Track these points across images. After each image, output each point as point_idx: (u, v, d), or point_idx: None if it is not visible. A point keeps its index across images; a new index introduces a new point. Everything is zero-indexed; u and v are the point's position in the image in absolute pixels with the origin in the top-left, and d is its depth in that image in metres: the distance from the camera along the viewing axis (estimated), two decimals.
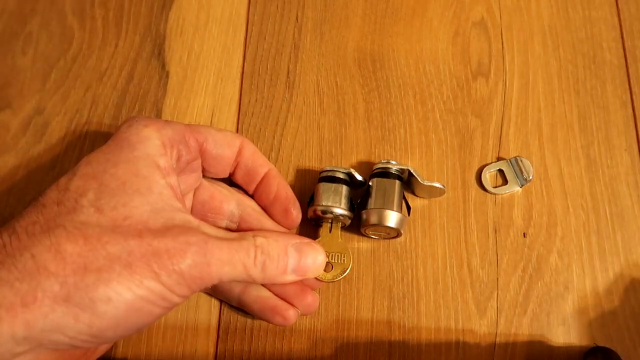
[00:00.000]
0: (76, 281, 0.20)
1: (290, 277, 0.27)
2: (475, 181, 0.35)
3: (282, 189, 0.31)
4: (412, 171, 0.32)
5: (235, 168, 0.31)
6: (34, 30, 0.39)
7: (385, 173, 0.32)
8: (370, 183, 0.32)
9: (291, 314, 0.29)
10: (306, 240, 0.29)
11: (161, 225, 0.23)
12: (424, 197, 0.34)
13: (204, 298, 0.33)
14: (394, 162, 0.32)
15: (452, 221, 0.34)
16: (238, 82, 0.38)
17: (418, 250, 0.34)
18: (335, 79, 0.37)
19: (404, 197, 0.33)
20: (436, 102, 0.37)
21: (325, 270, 0.30)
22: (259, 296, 0.30)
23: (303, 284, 0.30)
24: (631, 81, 0.37)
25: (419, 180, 0.32)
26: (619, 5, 0.39)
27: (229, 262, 0.24)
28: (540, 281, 0.33)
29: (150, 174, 0.24)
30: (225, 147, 0.30)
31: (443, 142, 0.36)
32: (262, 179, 0.31)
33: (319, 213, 0.31)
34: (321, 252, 0.29)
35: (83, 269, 0.21)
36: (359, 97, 0.37)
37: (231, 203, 0.31)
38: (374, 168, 0.33)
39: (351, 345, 0.32)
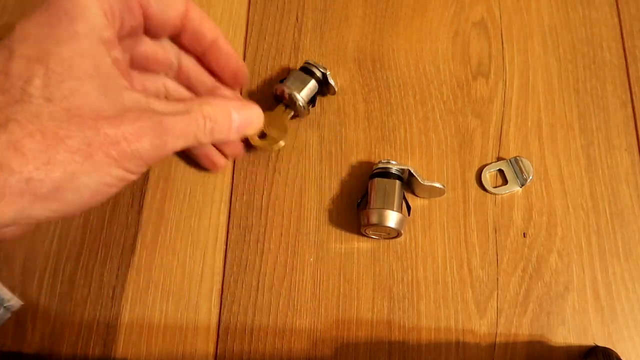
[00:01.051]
0: (41, 177, 0.21)
1: (234, 136, 0.29)
2: (475, 181, 0.35)
3: (231, 55, 0.31)
4: (412, 171, 0.32)
5: (180, 32, 0.30)
6: None
7: (385, 173, 0.32)
8: (370, 183, 0.32)
9: (221, 161, 0.34)
10: (246, 101, 0.30)
11: (114, 110, 0.23)
12: (424, 197, 0.34)
13: (204, 298, 0.33)
14: (394, 162, 0.32)
15: (452, 221, 0.34)
16: None
17: (418, 250, 0.34)
18: (335, 79, 0.37)
19: (404, 197, 0.33)
20: (436, 102, 0.37)
21: (259, 137, 0.34)
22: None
23: None
24: (631, 81, 0.37)
25: (419, 180, 0.32)
26: (619, 5, 0.39)
27: (183, 135, 0.25)
28: (540, 281, 0.33)
29: (95, 52, 0.23)
30: (170, 9, 0.28)
31: (443, 142, 0.36)
32: (211, 44, 0.31)
33: (284, 94, 0.34)
34: (258, 111, 0.30)
35: (46, 163, 0.21)
36: (359, 97, 0.37)
37: (170, 53, 0.31)
38: (374, 168, 0.33)
39: (351, 345, 0.32)
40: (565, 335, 0.32)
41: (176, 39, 0.31)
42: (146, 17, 0.28)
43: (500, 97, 0.37)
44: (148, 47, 0.30)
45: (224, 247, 0.34)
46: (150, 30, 0.29)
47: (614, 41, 0.38)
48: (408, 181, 0.33)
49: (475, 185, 0.35)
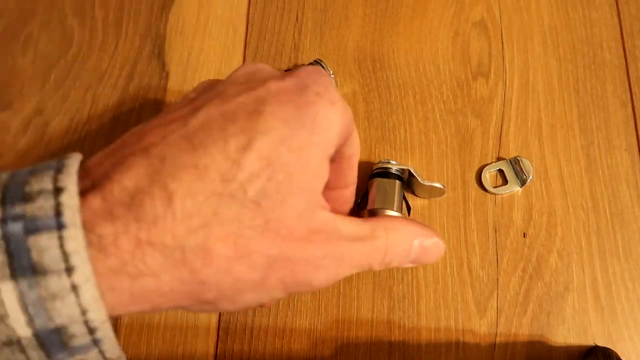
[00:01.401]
0: (215, 282, 0.20)
1: (407, 266, 0.26)
2: (475, 181, 0.35)
3: (352, 178, 0.28)
4: (412, 171, 0.32)
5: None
6: (34, 31, 0.39)
7: (385, 173, 0.32)
8: (370, 183, 0.32)
9: None
10: (432, 236, 0.26)
11: (304, 231, 0.21)
12: (424, 197, 0.34)
13: None
14: (394, 162, 0.32)
15: (452, 221, 0.34)
16: None
17: None
18: (335, 79, 0.37)
19: (404, 197, 0.33)
20: (436, 102, 0.37)
21: None
22: None
23: None
24: (631, 81, 0.37)
25: (419, 180, 0.32)
26: (619, 5, 0.39)
27: (358, 266, 0.23)
28: (540, 281, 0.33)
29: (318, 168, 0.22)
30: (352, 148, 0.26)
31: (443, 142, 0.36)
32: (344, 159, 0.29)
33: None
34: (443, 249, 0.27)
35: (225, 271, 0.20)
36: (359, 97, 0.37)
37: None
38: (374, 168, 0.33)
39: (351, 345, 0.32)
40: (565, 335, 0.32)
41: None
42: None
43: (500, 97, 0.37)
44: None
45: None
46: None
47: (614, 41, 0.38)
48: (408, 181, 0.33)
49: (475, 185, 0.35)
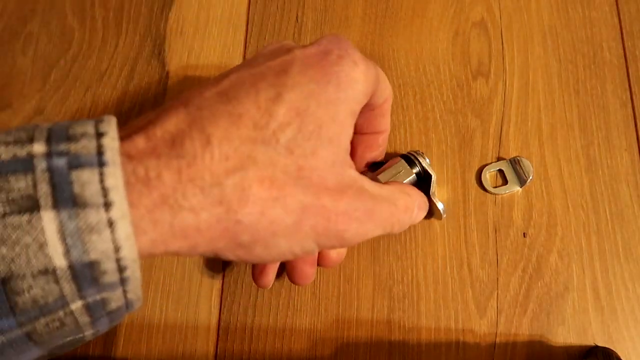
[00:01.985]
0: (250, 224, 0.20)
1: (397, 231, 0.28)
2: (475, 181, 0.35)
3: (385, 124, 0.30)
4: (433, 180, 0.31)
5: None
6: (34, 30, 0.39)
7: (411, 161, 0.31)
8: (394, 158, 0.32)
9: (312, 271, 0.30)
10: (423, 195, 0.29)
11: (335, 184, 0.22)
12: None
13: (204, 298, 0.33)
14: (427, 160, 0.32)
15: (452, 221, 0.34)
16: None
17: (418, 250, 0.34)
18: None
19: None
20: (436, 102, 0.37)
21: None
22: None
23: None
24: (631, 81, 0.37)
25: (430, 190, 0.31)
26: (619, 5, 0.39)
27: (382, 226, 0.24)
28: (540, 281, 0.33)
29: (345, 122, 0.23)
30: (381, 97, 0.27)
31: (443, 142, 0.36)
32: (372, 133, 0.30)
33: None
34: (426, 208, 0.30)
35: (260, 213, 0.20)
36: None
37: None
38: (408, 151, 0.32)
39: (351, 345, 0.32)
40: (565, 335, 0.32)
41: None
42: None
43: (500, 97, 0.37)
44: None
45: None
46: None
47: (614, 41, 0.38)
48: (420, 184, 0.33)
49: (475, 185, 0.35)
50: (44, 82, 0.38)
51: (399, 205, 0.25)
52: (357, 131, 0.30)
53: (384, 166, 0.32)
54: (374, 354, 0.32)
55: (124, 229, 0.18)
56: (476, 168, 0.35)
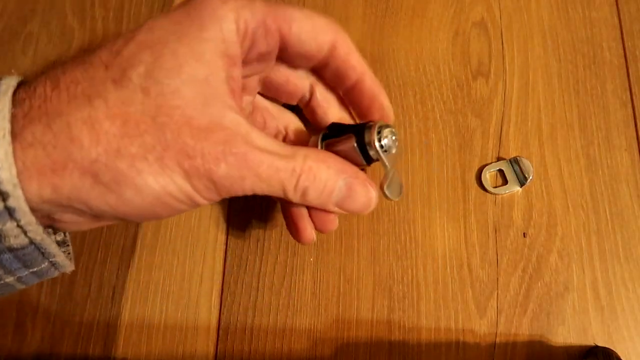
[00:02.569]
0: (107, 162, 0.20)
1: (329, 208, 0.25)
2: (475, 181, 0.35)
3: (376, 96, 0.28)
4: (384, 160, 0.26)
5: (322, 66, 0.27)
6: (34, 30, 0.39)
7: (363, 137, 0.26)
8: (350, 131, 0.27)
9: (307, 231, 0.28)
10: (362, 176, 0.25)
11: (206, 123, 0.21)
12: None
13: (204, 298, 0.33)
14: (392, 138, 0.26)
15: (452, 221, 0.34)
16: None
17: (418, 250, 0.34)
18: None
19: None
20: (436, 102, 0.37)
21: None
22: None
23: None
24: (631, 81, 0.37)
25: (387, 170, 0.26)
26: (619, 5, 0.39)
27: (267, 180, 0.23)
28: (540, 281, 0.33)
29: (213, 62, 0.22)
30: (313, 42, 0.25)
31: (443, 142, 0.36)
32: (355, 83, 0.27)
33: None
34: (371, 195, 0.25)
35: (116, 151, 0.20)
36: None
37: (305, 83, 0.28)
38: (372, 121, 0.27)
39: (351, 345, 0.32)
40: (565, 335, 0.32)
41: (317, 71, 0.28)
42: (284, 45, 0.25)
43: (500, 97, 0.37)
44: (280, 74, 0.28)
45: (224, 247, 0.34)
46: (286, 59, 0.27)
47: (614, 41, 0.38)
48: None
49: (475, 185, 0.35)
50: None
51: (291, 164, 0.23)
52: (329, 87, 0.28)
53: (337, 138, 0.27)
54: (374, 354, 0.32)
55: (3, 150, 0.19)
56: (476, 168, 0.35)
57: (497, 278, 0.33)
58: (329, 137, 0.27)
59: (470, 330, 0.32)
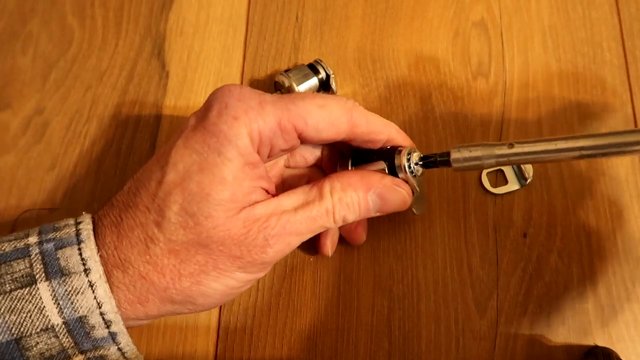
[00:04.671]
0: (175, 286, 0.24)
1: (373, 216, 0.28)
2: (475, 181, 0.35)
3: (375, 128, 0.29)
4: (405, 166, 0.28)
5: (346, 140, 0.28)
6: (34, 30, 0.39)
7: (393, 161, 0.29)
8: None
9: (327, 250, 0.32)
10: (388, 182, 0.27)
11: (241, 227, 0.24)
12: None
13: None
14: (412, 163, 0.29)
15: (452, 221, 0.34)
16: (238, 82, 0.38)
17: (418, 250, 0.33)
18: (335, 79, 0.37)
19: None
20: (436, 102, 0.37)
21: None
22: None
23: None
24: (631, 81, 0.37)
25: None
26: (619, 5, 0.39)
27: (309, 231, 0.26)
28: (540, 281, 0.33)
29: (235, 178, 0.24)
30: (331, 130, 0.27)
31: (443, 142, 0.36)
32: (385, 144, 0.29)
33: (283, 84, 0.33)
34: (405, 193, 0.28)
35: (179, 275, 0.24)
36: (359, 97, 0.37)
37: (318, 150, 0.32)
38: (400, 148, 0.29)
39: (351, 345, 0.32)
40: (565, 335, 0.32)
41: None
42: (303, 138, 0.27)
43: (500, 97, 0.37)
44: (300, 153, 0.31)
45: None
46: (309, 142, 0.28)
47: (614, 41, 0.38)
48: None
49: (475, 185, 0.35)
50: (44, 82, 0.38)
51: (323, 205, 0.26)
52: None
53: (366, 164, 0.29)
54: (374, 354, 0.32)
55: (102, 288, 0.23)
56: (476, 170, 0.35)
57: (497, 278, 0.33)
58: (358, 162, 0.30)
59: (470, 330, 0.32)
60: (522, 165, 0.34)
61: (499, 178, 0.35)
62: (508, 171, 0.35)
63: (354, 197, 0.26)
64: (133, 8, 0.40)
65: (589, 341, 0.32)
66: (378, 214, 0.28)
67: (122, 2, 0.40)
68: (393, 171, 0.28)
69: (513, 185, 0.34)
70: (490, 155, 0.26)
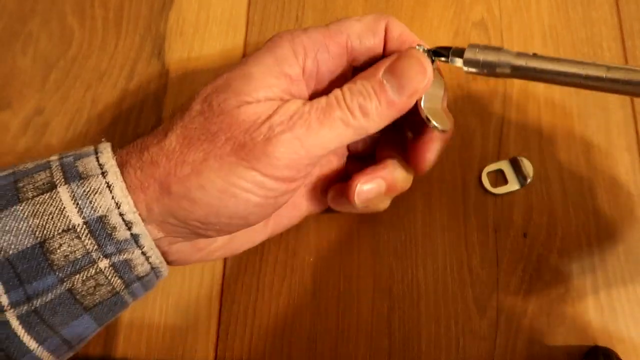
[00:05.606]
0: (177, 172, 0.24)
1: (403, 103, 0.25)
2: (475, 181, 0.35)
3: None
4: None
5: (384, 51, 0.28)
6: (34, 30, 0.39)
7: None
8: None
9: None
10: (391, 58, 0.26)
11: (251, 113, 0.24)
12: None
13: (204, 298, 0.33)
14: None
15: (452, 221, 0.34)
16: None
17: (418, 250, 0.34)
18: None
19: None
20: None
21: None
22: None
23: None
24: None
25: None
26: (619, 5, 0.39)
27: (321, 125, 0.24)
28: (540, 281, 0.33)
29: (262, 75, 0.25)
30: (370, 37, 0.27)
31: None
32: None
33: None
34: (423, 60, 0.26)
35: (182, 162, 0.24)
36: None
37: None
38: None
39: (351, 345, 0.32)
40: (565, 335, 0.32)
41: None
42: (349, 50, 0.27)
43: (501, 97, 0.37)
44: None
45: None
46: (358, 60, 0.28)
47: (614, 41, 0.38)
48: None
49: (475, 185, 0.35)
50: (44, 82, 0.38)
51: (332, 103, 0.25)
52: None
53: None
54: (374, 354, 0.32)
55: (119, 187, 0.23)
56: (476, 168, 0.35)
57: (497, 278, 0.33)
58: None
59: (470, 330, 0.32)
60: (522, 165, 0.34)
61: (499, 178, 0.35)
62: (508, 171, 0.35)
63: (365, 83, 0.25)
64: (133, 8, 0.40)
65: (589, 341, 0.32)
66: (403, 99, 0.25)
67: (122, 2, 0.40)
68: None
69: (513, 185, 0.34)
70: (506, 63, 0.25)
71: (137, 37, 0.39)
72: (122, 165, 0.24)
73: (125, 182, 0.24)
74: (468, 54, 0.26)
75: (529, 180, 0.34)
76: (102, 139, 0.26)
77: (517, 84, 0.37)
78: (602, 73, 0.23)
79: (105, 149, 0.25)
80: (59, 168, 0.24)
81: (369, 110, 0.24)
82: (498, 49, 0.25)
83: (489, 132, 0.36)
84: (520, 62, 0.24)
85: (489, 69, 0.25)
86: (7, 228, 0.22)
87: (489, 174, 0.35)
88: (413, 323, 0.32)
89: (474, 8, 0.39)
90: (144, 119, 0.37)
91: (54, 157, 0.25)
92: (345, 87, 0.25)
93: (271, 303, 0.33)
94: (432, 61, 0.27)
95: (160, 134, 0.25)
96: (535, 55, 0.24)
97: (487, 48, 0.25)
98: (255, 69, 0.25)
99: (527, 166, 0.34)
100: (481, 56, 0.25)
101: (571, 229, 0.34)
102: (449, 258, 0.33)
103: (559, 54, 0.38)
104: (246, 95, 0.24)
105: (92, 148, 0.25)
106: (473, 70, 0.26)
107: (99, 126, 0.37)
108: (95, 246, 0.23)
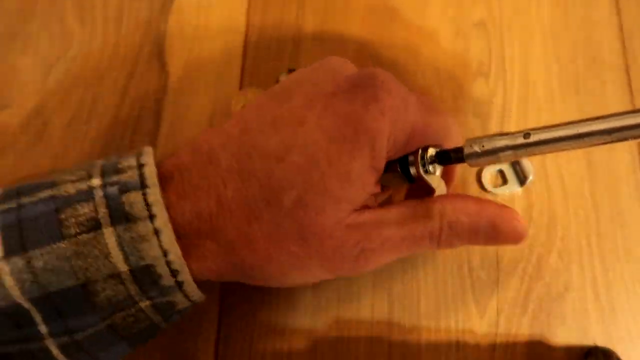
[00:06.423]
0: (263, 265, 0.23)
1: (479, 244, 0.25)
2: (475, 181, 0.35)
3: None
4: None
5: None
6: (34, 30, 0.39)
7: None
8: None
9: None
10: (507, 211, 0.25)
11: (344, 231, 0.23)
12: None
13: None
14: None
15: None
16: (238, 82, 0.38)
17: None
18: None
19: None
20: (436, 102, 0.37)
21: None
22: None
23: None
24: (631, 81, 0.37)
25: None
26: (619, 5, 0.39)
27: (408, 251, 0.24)
28: (540, 281, 0.33)
29: (360, 178, 0.22)
30: (439, 141, 0.26)
31: None
32: None
33: None
34: (522, 228, 0.25)
35: (268, 257, 0.23)
36: None
37: None
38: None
39: (351, 345, 0.32)
40: (565, 335, 0.32)
41: None
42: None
43: (501, 97, 0.37)
44: None
45: None
46: None
47: (614, 41, 0.38)
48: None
49: (476, 185, 0.35)
50: (44, 82, 0.38)
51: (427, 228, 0.24)
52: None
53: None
54: (374, 354, 0.32)
55: (168, 235, 0.22)
56: (476, 168, 0.35)
57: (497, 278, 0.33)
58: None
59: (470, 330, 0.32)
60: (522, 165, 0.34)
61: (499, 178, 0.35)
62: (508, 171, 0.35)
63: (465, 223, 0.24)
64: (133, 8, 0.40)
65: (589, 341, 0.32)
66: (487, 245, 0.26)
67: (122, 2, 0.40)
68: (405, 167, 0.25)
69: (513, 185, 0.34)
70: (505, 147, 0.23)
71: (137, 37, 0.39)
72: (170, 208, 0.22)
73: (173, 226, 0.22)
74: (468, 151, 0.25)
75: (529, 180, 0.34)
76: (144, 149, 0.24)
77: (517, 84, 0.37)
78: (600, 127, 0.23)
79: (151, 178, 0.22)
80: (103, 202, 0.22)
81: (454, 247, 0.25)
82: (494, 137, 0.24)
83: (489, 132, 0.36)
84: (518, 142, 0.23)
85: (492, 159, 0.24)
86: (49, 267, 0.21)
87: (489, 174, 0.35)
88: (413, 323, 0.32)
89: (474, 8, 0.39)
90: (144, 119, 0.37)
91: (95, 182, 0.22)
92: (445, 223, 0.24)
93: (271, 303, 0.33)
94: (440, 172, 0.26)
95: (240, 216, 0.23)
96: (528, 135, 0.23)
97: (482, 140, 0.24)
98: (355, 167, 0.22)
99: (527, 166, 0.34)
100: (480, 148, 0.24)
101: (571, 229, 0.34)
102: (449, 258, 0.33)
103: (559, 53, 0.38)
104: (342, 206, 0.22)
105: (136, 173, 0.22)
106: (477, 162, 0.25)
107: (98, 126, 0.37)
108: (139, 291, 0.22)
